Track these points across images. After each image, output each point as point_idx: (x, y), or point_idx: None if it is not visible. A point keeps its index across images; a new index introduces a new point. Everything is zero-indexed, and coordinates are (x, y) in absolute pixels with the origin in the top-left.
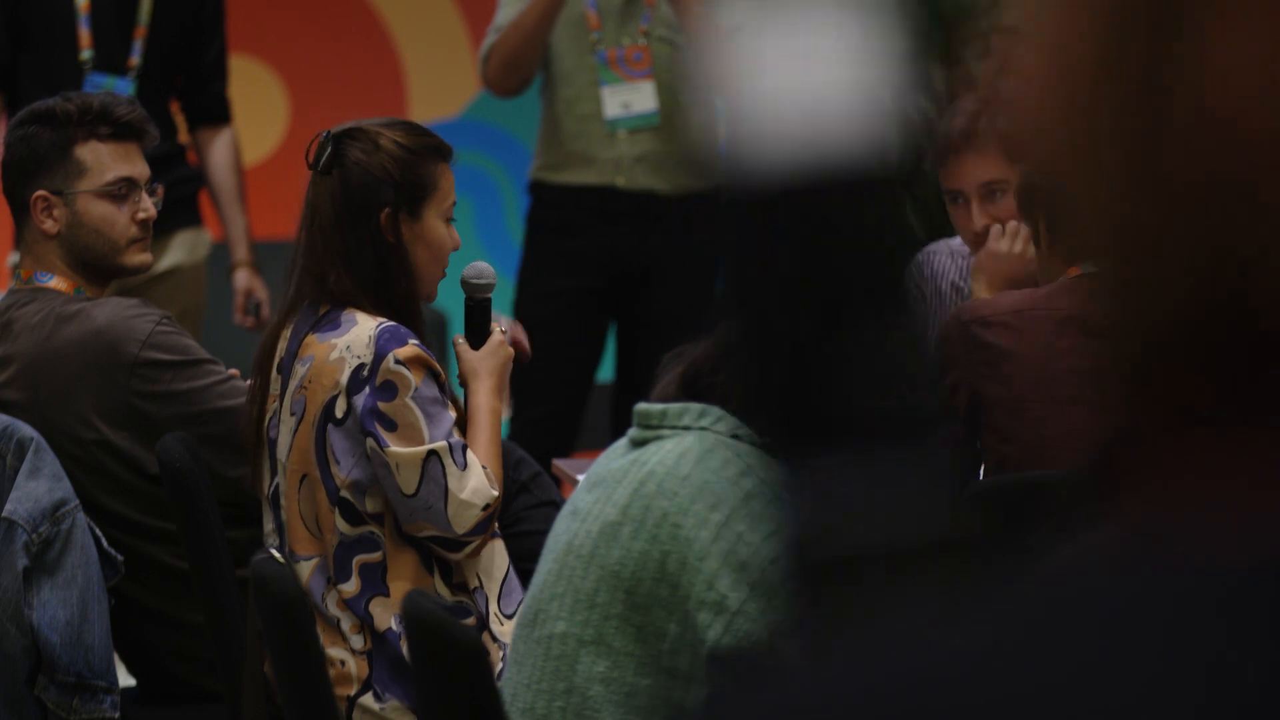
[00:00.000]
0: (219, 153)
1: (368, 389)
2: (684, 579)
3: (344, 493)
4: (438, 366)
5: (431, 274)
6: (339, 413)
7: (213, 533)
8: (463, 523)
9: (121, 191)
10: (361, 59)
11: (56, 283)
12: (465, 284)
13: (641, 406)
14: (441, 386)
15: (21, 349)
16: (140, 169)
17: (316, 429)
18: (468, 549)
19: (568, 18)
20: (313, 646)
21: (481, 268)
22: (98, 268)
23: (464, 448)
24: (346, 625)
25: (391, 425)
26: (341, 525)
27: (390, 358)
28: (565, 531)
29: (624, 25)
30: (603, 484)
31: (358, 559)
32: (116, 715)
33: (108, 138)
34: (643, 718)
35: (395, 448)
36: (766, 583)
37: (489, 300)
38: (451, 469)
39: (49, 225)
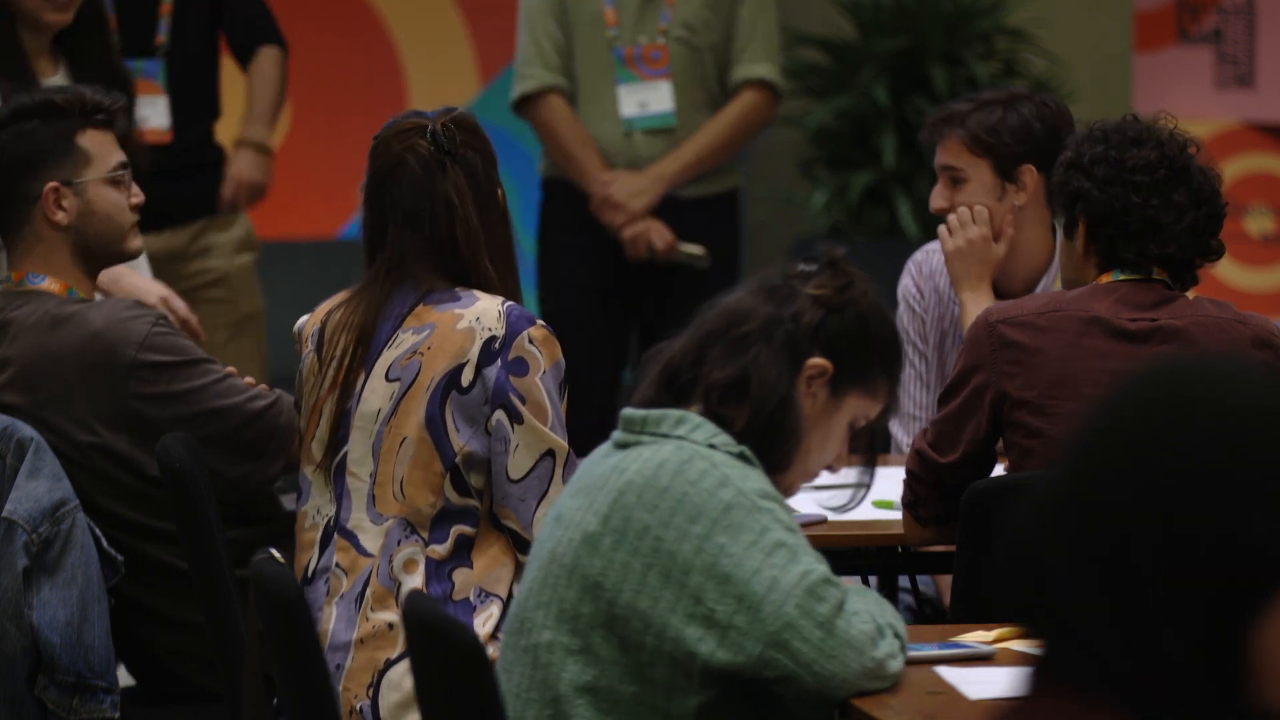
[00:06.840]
0: (263, 62)
1: (499, 362)
2: (666, 592)
3: (458, 459)
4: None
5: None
6: (465, 381)
7: (213, 533)
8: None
9: (123, 178)
10: (361, 59)
11: (48, 284)
12: None
13: (627, 411)
14: (562, 378)
15: (19, 352)
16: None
17: (433, 394)
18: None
19: (584, 14)
20: (313, 646)
21: None
22: (102, 256)
23: (574, 466)
24: (406, 590)
25: (522, 399)
26: (449, 492)
27: (524, 336)
28: (549, 539)
29: (641, 23)
30: (585, 491)
31: (456, 528)
32: (116, 715)
33: (101, 124)
34: None
35: (523, 425)
36: (751, 593)
37: None
38: (558, 478)
39: (61, 217)
